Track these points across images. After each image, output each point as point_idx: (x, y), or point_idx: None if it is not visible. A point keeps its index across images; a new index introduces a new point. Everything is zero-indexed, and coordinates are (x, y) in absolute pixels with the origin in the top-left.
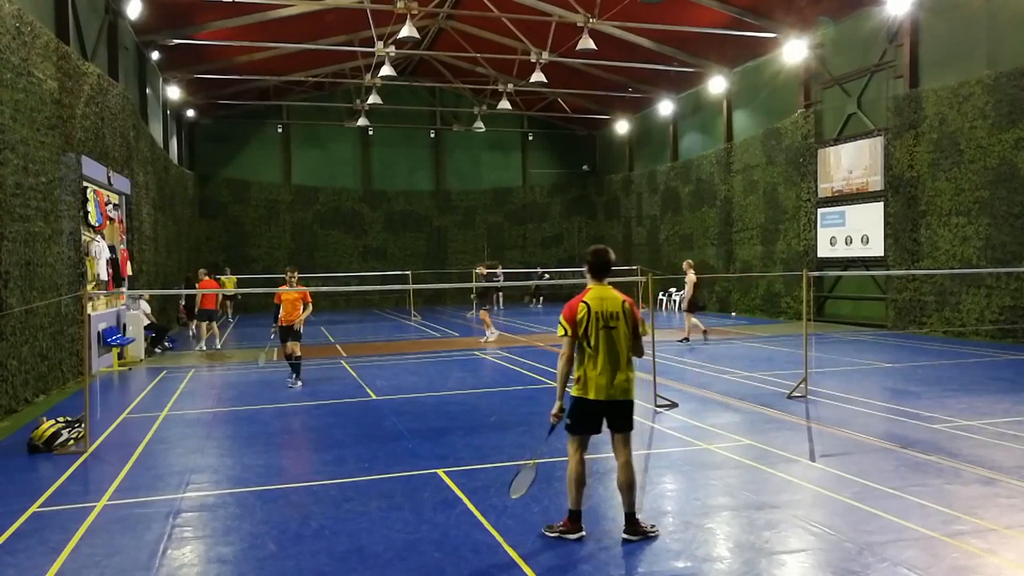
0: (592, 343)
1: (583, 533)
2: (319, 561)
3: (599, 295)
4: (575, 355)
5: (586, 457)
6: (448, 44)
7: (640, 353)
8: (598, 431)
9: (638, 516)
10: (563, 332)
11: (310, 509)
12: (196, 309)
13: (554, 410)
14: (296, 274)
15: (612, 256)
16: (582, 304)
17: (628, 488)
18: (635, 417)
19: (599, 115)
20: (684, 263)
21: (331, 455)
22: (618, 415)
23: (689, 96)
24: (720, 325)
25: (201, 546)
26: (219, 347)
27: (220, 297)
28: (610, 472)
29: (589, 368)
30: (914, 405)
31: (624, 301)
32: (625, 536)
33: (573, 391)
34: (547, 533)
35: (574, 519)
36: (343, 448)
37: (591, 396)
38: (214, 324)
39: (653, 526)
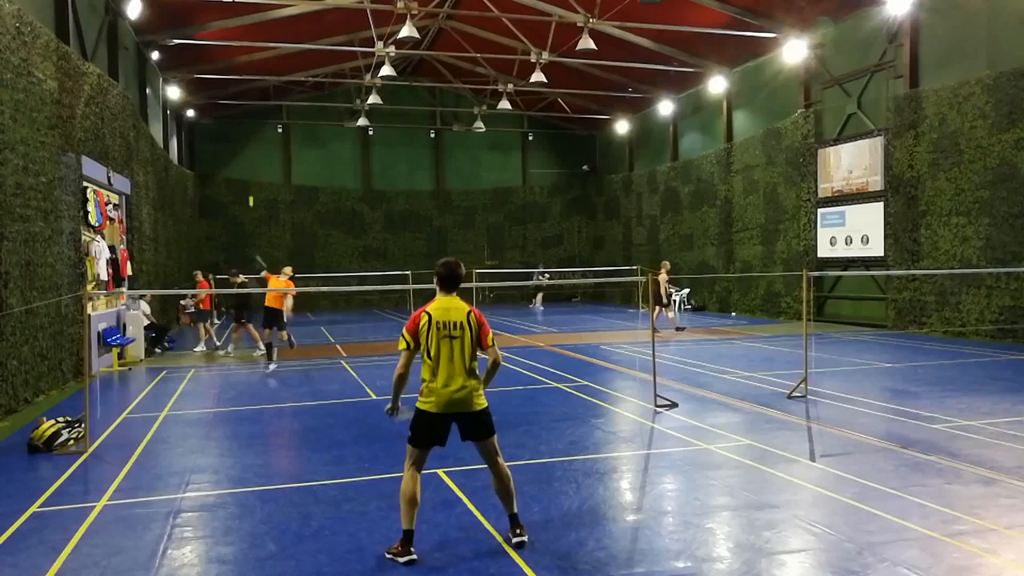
0: (432, 354)
1: (414, 556)
2: (319, 561)
3: (443, 305)
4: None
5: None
6: (448, 44)
7: (494, 355)
8: (441, 444)
9: (519, 520)
10: (403, 345)
11: (310, 509)
12: (194, 310)
13: (388, 407)
14: (290, 272)
15: (463, 270)
16: (424, 314)
17: (504, 494)
18: (634, 417)
19: (599, 115)
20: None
21: (331, 455)
22: (469, 426)
23: (689, 96)
24: (720, 325)
25: (201, 546)
26: (218, 346)
27: (214, 298)
28: (610, 472)
29: (430, 379)
30: (914, 405)
31: (470, 312)
32: (514, 539)
33: (418, 402)
34: (386, 554)
35: (405, 540)
36: (343, 448)
37: (433, 409)
38: (209, 325)
39: (522, 531)
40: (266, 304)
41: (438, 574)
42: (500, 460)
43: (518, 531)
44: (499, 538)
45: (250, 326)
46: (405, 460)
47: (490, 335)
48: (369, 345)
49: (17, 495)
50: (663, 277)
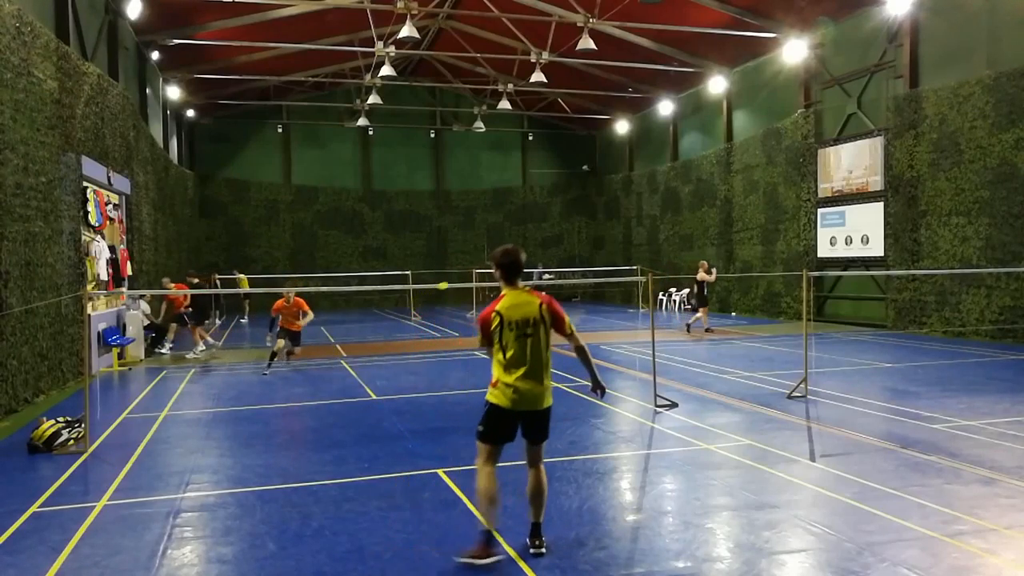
0: (507, 354)
1: (498, 557)
2: (319, 561)
3: (512, 302)
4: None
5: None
6: (448, 44)
7: (575, 343)
8: (511, 439)
9: (541, 531)
10: (481, 343)
11: (310, 509)
12: (176, 314)
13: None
14: (293, 293)
15: (523, 256)
16: (494, 314)
17: (536, 498)
18: (634, 417)
19: (599, 115)
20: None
21: (331, 455)
22: (533, 425)
23: (689, 96)
24: (720, 325)
25: (201, 546)
26: (212, 344)
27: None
28: (610, 472)
29: (504, 375)
30: (914, 405)
31: (541, 304)
32: (532, 549)
33: (489, 395)
34: (460, 559)
35: (484, 542)
36: (343, 448)
37: (505, 404)
38: (175, 326)
39: (541, 544)
40: (289, 329)
41: (438, 574)
42: (543, 467)
43: (537, 543)
44: (499, 537)
45: (198, 328)
46: (477, 458)
47: (567, 322)
48: (369, 345)
49: (17, 495)
50: (702, 276)
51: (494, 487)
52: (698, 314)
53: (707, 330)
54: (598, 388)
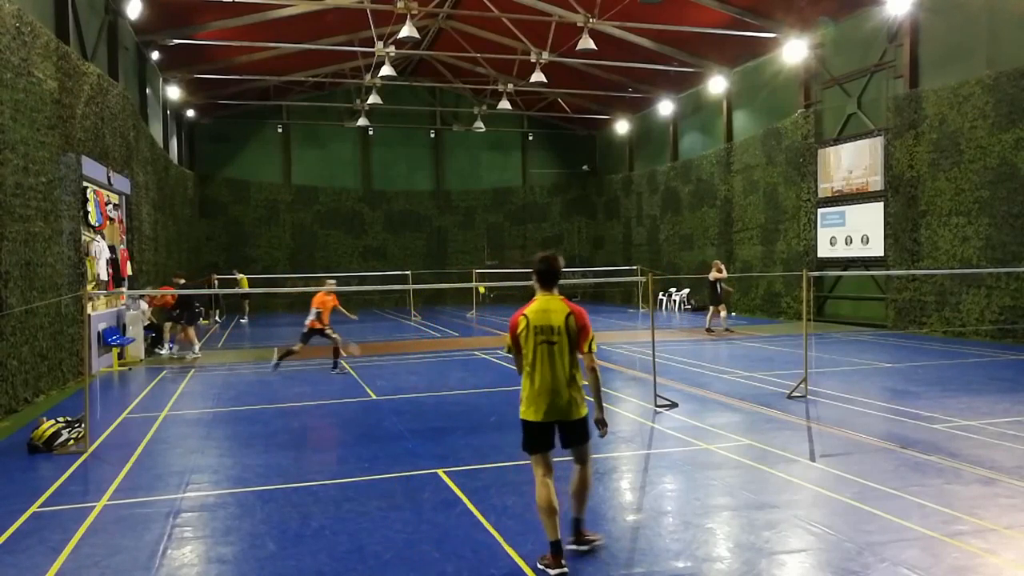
0: (530, 359)
1: (564, 569)
2: (319, 561)
3: (541, 307)
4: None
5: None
6: (448, 44)
7: (589, 363)
8: (552, 447)
9: (584, 527)
10: (507, 349)
11: (310, 509)
12: (168, 313)
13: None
14: (334, 283)
15: (561, 263)
16: (522, 317)
17: (579, 494)
18: (634, 417)
19: (599, 115)
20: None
21: (331, 455)
22: (567, 433)
23: (689, 96)
24: (720, 325)
25: (201, 546)
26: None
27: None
28: (610, 472)
29: (527, 385)
30: (914, 405)
31: (569, 314)
32: (571, 546)
33: (521, 412)
34: (538, 563)
35: (554, 552)
36: (343, 448)
37: (533, 418)
38: (170, 325)
39: (596, 538)
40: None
41: (438, 574)
42: (589, 464)
43: (581, 539)
44: (499, 538)
45: (189, 329)
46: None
47: (589, 340)
48: (369, 345)
49: (17, 495)
50: (714, 275)
51: (550, 497)
52: (722, 313)
53: (708, 330)
54: (601, 425)
